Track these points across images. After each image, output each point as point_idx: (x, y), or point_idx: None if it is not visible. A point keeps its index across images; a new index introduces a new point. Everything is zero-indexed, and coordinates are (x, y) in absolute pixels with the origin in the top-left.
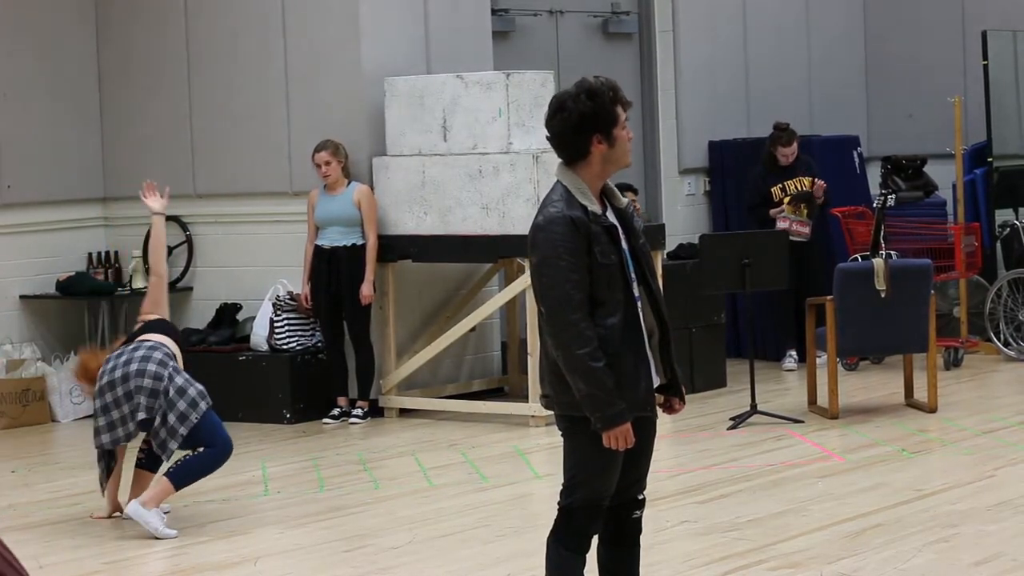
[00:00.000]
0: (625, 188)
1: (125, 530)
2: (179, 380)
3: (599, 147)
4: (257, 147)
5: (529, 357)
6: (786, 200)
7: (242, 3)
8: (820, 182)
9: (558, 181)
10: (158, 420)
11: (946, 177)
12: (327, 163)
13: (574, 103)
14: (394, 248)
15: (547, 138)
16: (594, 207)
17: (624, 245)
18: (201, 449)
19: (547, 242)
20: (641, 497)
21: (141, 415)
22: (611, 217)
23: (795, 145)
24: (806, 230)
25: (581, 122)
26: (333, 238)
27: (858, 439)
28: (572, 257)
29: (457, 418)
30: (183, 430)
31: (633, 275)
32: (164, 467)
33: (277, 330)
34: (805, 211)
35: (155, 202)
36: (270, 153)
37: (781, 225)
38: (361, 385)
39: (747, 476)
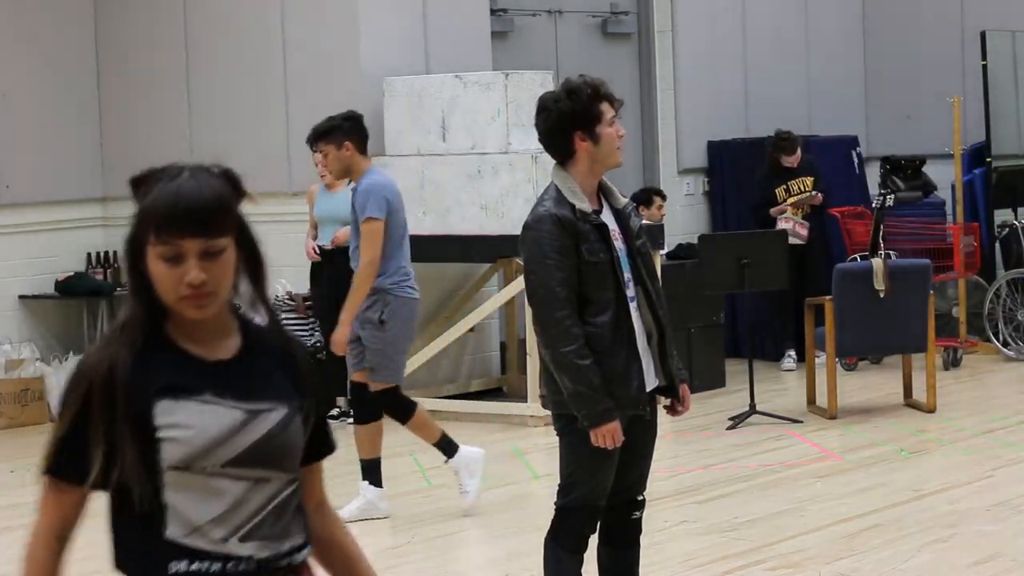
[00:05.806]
0: (654, 192)
1: None
2: None
3: (583, 144)
4: (256, 147)
5: (528, 357)
6: (790, 201)
7: (242, 3)
8: (818, 194)
9: (552, 181)
10: None
11: (945, 177)
12: None
13: (554, 103)
14: None
15: (538, 139)
16: (583, 205)
17: (620, 244)
18: None
19: (534, 241)
20: (641, 498)
21: None
22: (605, 215)
23: (798, 151)
24: (804, 232)
25: (561, 121)
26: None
27: (857, 439)
28: (558, 255)
29: (456, 418)
30: None
31: (629, 275)
32: None
33: None
34: (801, 212)
35: None
36: (269, 153)
37: (783, 225)
38: None
39: (746, 476)
